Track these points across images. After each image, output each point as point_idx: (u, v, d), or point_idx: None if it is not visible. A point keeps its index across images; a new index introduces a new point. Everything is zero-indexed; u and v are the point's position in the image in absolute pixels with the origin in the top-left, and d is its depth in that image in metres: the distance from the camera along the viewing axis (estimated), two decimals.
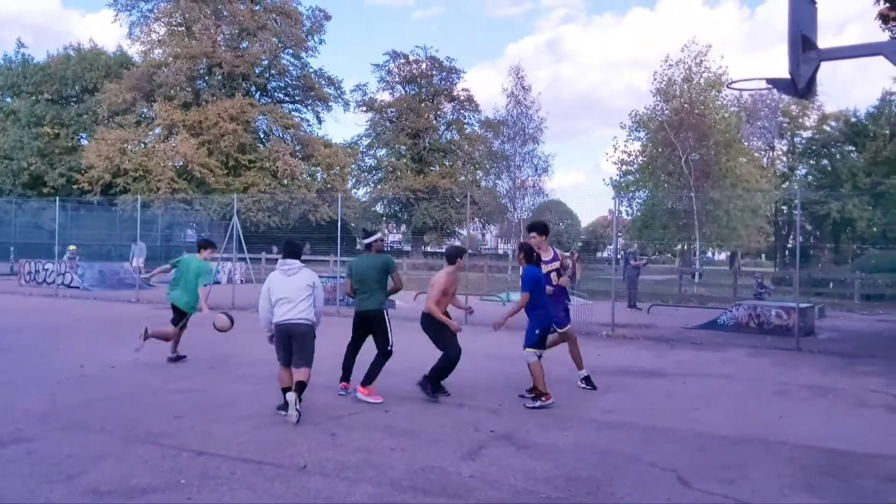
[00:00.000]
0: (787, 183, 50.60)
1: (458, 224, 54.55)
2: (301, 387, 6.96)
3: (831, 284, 28.73)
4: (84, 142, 46.63)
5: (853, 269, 31.22)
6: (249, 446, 5.99)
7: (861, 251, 42.36)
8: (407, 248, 54.78)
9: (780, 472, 5.68)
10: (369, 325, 8.21)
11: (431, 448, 6.12)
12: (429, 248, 58.88)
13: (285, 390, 7.02)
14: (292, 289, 7.27)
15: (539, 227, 8.89)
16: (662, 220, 37.37)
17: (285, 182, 44.90)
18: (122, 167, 40.60)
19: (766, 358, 12.03)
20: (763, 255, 59.94)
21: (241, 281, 24.65)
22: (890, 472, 5.75)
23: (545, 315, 7.90)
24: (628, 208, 39.96)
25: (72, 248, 24.97)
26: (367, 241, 8.60)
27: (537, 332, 7.76)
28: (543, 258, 8.50)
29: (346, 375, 8.24)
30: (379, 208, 58.11)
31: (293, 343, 7.13)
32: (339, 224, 19.26)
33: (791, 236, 49.80)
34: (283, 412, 6.96)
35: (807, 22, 6.57)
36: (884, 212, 42.29)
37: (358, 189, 57.57)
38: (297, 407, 6.81)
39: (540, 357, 7.80)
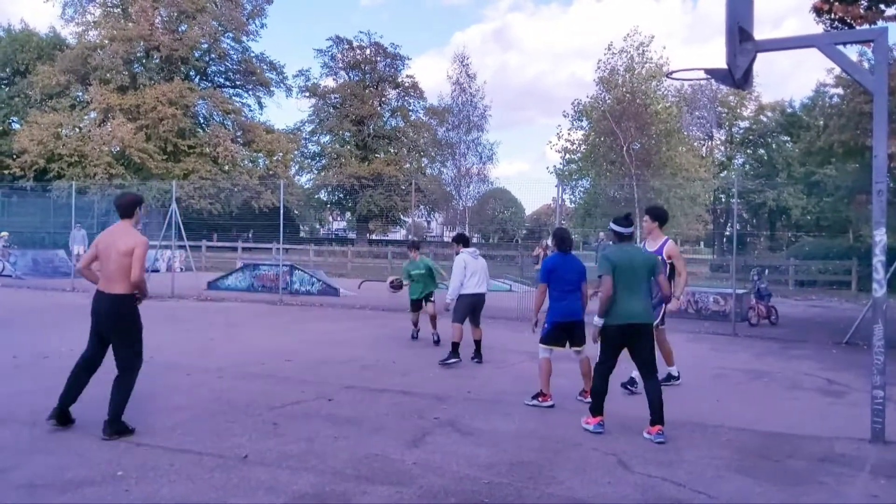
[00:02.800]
0: (725, 172, 51.70)
1: (403, 212, 54.38)
2: (478, 343, 9.77)
3: (766, 271, 29.49)
4: (16, 126, 45.08)
5: (787, 256, 32.13)
6: (189, 437, 5.89)
7: (795, 239, 43.57)
8: (352, 235, 54.34)
9: (715, 454, 5.81)
10: (636, 339, 6.37)
11: (375, 436, 6.10)
12: (374, 236, 58.63)
13: (455, 344, 9.38)
14: (480, 268, 9.81)
15: (652, 212, 8.27)
16: (604, 208, 37.77)
17: (226, 168, 44.14)
18: (56, 152, 39.38)
19: (705, 343, 12.31)
20: (702, 243, 61.21)
21: (181, 269, 24.22)
22: (821, 453, 5.93)
23: (558, 309, 7.19)
24: (571, 196, 40.42)
25: (4, 234, 24.19)
26: (629, 229, 6.79)
27: (547, 326, 7.27)
28: (649, 248, 7.98)
29: (599, 405, 6.44)
30: (323, 195, 57.52)
31: (477, 309, 9.74)
32: (282, 211, 19.02)
33: (728, 224, 50.91)
34: (452, 360, 9.34)
35: (744, 14, 6.69)
36: (817, 200, 43.50)
37: (301, 176, 56.92)
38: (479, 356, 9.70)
39: (551, 353, 7.25)
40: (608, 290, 6.28)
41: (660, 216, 8.27)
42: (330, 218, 67.16)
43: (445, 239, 59.09)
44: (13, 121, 45.95)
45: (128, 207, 5.99)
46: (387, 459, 5.47)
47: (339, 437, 6.04)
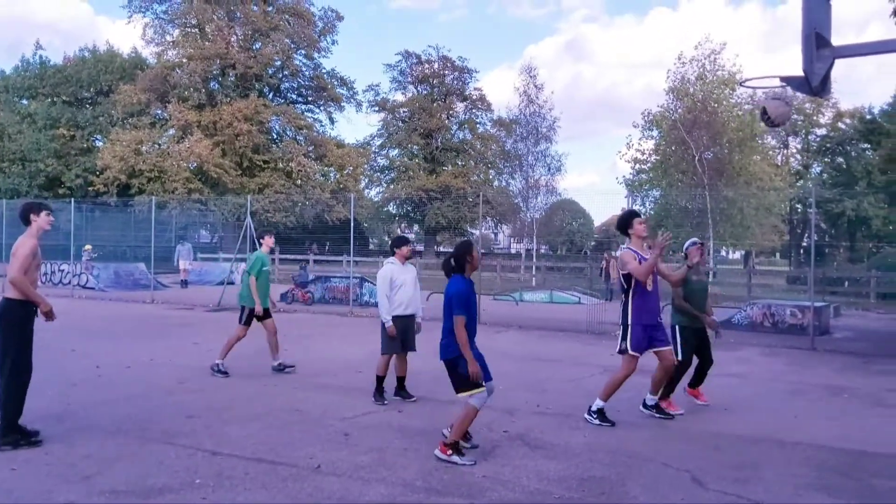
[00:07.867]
0: (802, 181, 50.31)
1: (470, 223, 54.56)
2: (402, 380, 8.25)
3: (846, 283, 28.55)
4: (99, 143, 46.83)
5: (869, 268, 31.00)
6: (263, 446, 6.02)
7: (877, 249, 42.03)
8: (420, 248, 54.71)
9: (794, 472, 5.66)
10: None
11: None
12: (442, 248, 58.89)
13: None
14: (410, 280, 8.08)
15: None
16: (676, 218, 37.18)
17: (299, 182, 45.03)
18: (137, 168, 40.76)
19: (781, 357, 11.97)
20: (777, 254, 59.63)
21: None
22: None
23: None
24: (642, 207, 39.89)
25: (87, 246, 25.07)
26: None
27: None
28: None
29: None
30: (392, 208, 58.19)
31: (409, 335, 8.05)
32: (353, 224, 19.31)
33: (806, 235, 49.48)
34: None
35: (821, 20, 6.54)
36: None
37: (371, 189, 57.70)
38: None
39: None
40: None
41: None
42: (399, 230, 67.79)
43: (512, 251, 58.95)
44: (97, 138, 47.75)
45: (22, 215, 6.15)
46: (457, 472, 5.49)
47: (409, 448, 6.09)
